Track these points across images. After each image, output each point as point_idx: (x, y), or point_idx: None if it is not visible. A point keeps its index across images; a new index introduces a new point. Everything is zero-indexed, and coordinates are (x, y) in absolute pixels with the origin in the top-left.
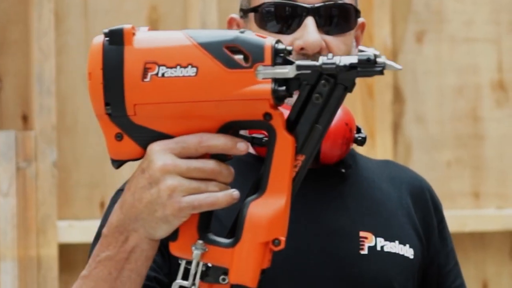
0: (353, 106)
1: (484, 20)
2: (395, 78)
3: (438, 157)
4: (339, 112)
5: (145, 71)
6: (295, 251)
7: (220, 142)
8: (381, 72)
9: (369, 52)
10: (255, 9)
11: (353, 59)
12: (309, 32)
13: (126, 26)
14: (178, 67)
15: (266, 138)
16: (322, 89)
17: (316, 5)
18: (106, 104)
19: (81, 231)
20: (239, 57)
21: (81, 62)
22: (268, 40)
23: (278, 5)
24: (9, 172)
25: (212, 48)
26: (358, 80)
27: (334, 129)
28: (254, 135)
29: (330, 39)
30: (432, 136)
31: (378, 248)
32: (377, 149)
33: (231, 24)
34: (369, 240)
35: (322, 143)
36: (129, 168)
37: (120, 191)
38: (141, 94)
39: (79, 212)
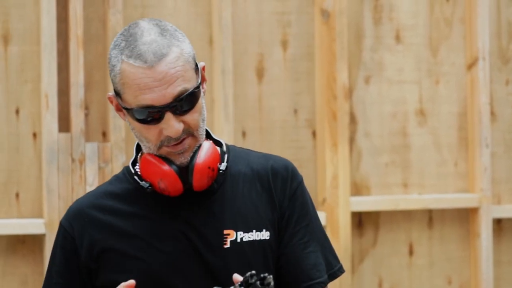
0: (323, 127)
1: (410, 68)
2: (351, 107)
3: (379, 160)
4: (205, 157)
5: None
6: (173, 256)
7: None
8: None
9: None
10: (126, 109)
11: None
12: (170, 125)
13: None
14: None
15: None
16: None
17: (169, 103)
18: None
19: None
20: None
21: None
22: None
23: (142, 110)
24: (94, 170)
25: None
26: (326, 108)
27: (199, 171)
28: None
29: (186, 117)
30: (376, 146)
31: (238, 240)
32: (339, 155)
33: (110, 100)
34: (231, 236)
35: (193, 180)
36: None
37: (60, 224)
38: None
39: None
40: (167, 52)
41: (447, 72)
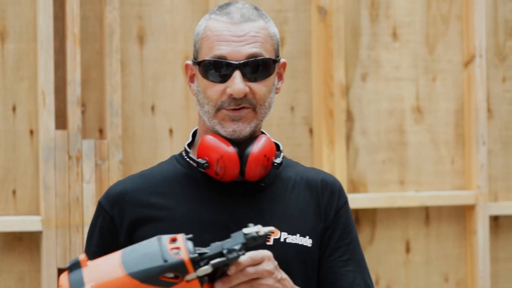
0: (319, 124)
1: (406, 65)
2: (348, 105)
3: (376, 157)
4: (262, 145)
5: None
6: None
7: None
8: (264, 241)
9: (253, 230)
10: (199, 63)
11: (242, 240)
12: (235, 83)
13: (81, 257)
14: None
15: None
16: (230, 263)
17: (241, 61)
18: None
19: None
20: (171, 276)
21: (137, 94)
22: (185, 255)
23: (214, 62)
24: (90, 167)
25: (152, 281)
26: (323, 106)
27: (255, 158)
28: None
29: (253, 85)
30: (372, 143)
31: (282, 240)
32: (335, 153)
33: (186, 69)
34: (275, 234)
35: (246, 167)
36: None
37: (99, 204)
38: None
39: None
40: (254, 19)
41: (444, 69)
